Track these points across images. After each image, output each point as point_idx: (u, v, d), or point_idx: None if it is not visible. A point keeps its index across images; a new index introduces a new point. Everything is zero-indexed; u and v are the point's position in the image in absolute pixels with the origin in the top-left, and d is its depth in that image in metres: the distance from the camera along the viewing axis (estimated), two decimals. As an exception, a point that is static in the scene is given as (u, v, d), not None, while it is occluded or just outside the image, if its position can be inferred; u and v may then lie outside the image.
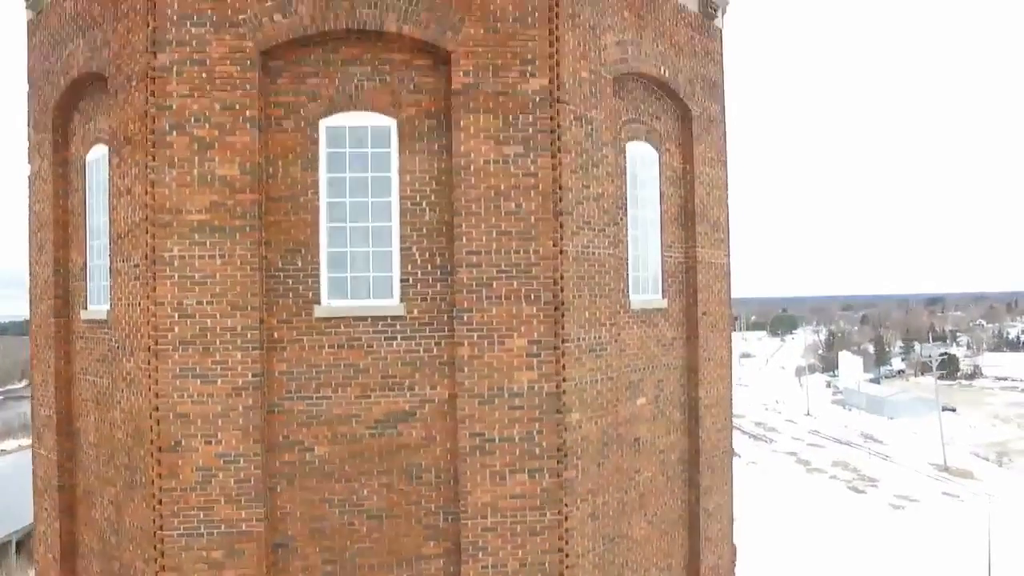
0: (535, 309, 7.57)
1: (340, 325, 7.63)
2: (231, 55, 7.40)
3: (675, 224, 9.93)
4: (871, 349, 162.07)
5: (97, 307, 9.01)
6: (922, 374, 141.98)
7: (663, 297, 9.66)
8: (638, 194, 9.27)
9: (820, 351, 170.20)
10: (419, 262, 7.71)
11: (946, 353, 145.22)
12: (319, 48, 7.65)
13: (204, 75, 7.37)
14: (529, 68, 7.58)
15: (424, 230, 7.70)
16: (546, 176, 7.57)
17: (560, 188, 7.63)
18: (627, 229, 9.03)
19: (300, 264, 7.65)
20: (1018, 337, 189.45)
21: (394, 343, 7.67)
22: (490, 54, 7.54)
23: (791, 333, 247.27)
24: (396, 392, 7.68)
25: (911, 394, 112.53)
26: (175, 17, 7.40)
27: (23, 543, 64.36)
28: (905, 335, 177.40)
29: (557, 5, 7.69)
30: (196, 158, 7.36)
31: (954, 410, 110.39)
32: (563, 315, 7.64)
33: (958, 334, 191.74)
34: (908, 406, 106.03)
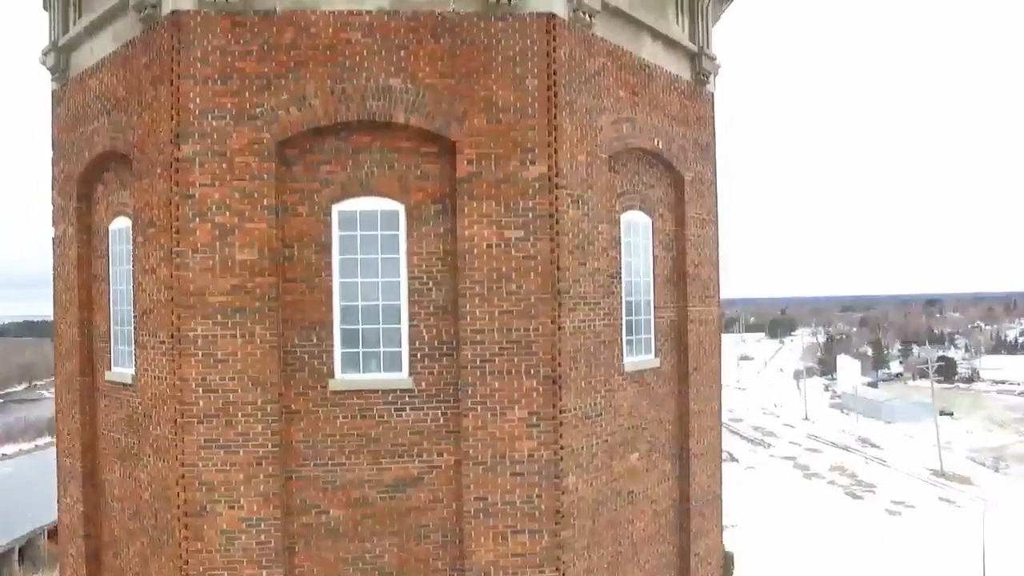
0: (535, 383, 8.11)
1: (353, 397, 8.17)
2: (250, 146, 7.93)
3: (667, 285, 10.48)
4: (869, 352, 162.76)
5: (121, 370, 9.54)
6: (920, 377, 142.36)
7: (655, 356, 10.21)
8: (632, 261, 9.82)
9: (819, 354, 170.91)
10: (427, 338, 8.24)
11: (944, 357, 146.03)
12: (332, 137, 8.18)
13: (225, 166, 7.91)
14: (529, 156, 8.12)
15: (431, 308, 8.24)
16: (545, 258, 8.11)
17: (558, 269, 8.17)
18: (621, 296, 9.57)
19: (315, 340, 8.19)
20: (1016, 339, 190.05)
21: (403, 414, 8.21)
22: (492, 143, 8.08)
23: (790, 335, 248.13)
24: (406, 459, 8.22)
25: (908, 399, 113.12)
26: (197, 111, 7.94)
27: (25, 550, 64.80)
28: (903, 338, 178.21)
29: (555, 96, 8.22)
30: (218, 244, 7.90)
31: (951, 414, 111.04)
32: (560, 387, 8.19)
33: (956, 336, 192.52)
34: (905, 411, 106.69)
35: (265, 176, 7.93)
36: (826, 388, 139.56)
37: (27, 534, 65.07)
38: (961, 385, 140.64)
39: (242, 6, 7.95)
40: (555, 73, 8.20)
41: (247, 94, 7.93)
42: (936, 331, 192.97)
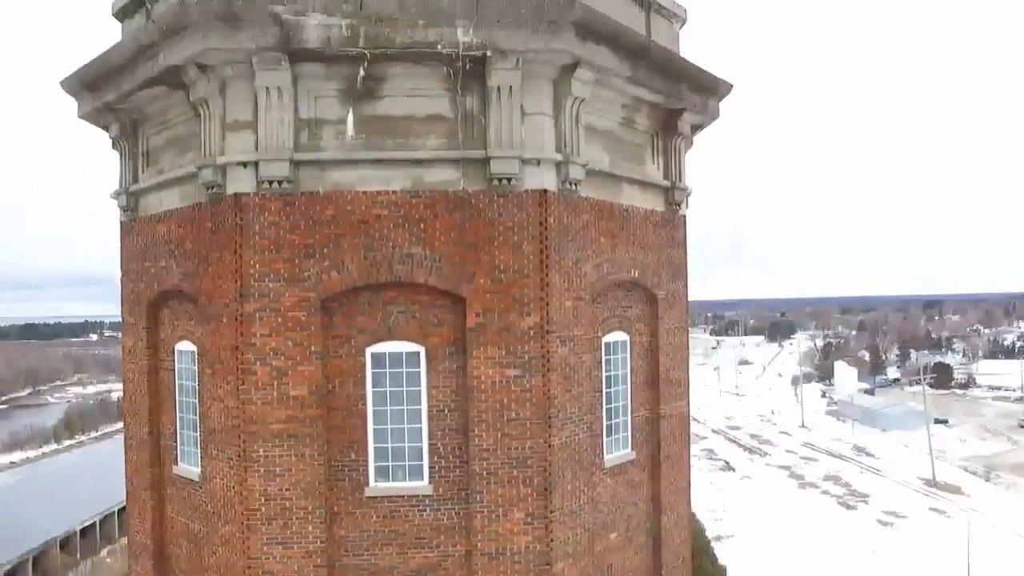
0: (530, 490, 10.07)
1: (384, 501, 10.13)
2: (299, 304, 9.88)
3: (643, 388, 12.41)
4: (867, 357, 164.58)
5: (187, 467, 11.49)
6: (917, 383, 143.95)
7: (632, 450, 12.14)
8: (612, 374, 11.75)
9: (817, 359, 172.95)
10: (443, 454, 10.20)
11: (940, 363, 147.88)
12: (365, 293, 10.13)
13: (280, 319, 9.86)
14: (525, 309, 10.07)
15: (447, 430, 10.20)
16: (538, 391, 10.06)
17: (548, 399, 10.12)
18: (603, 406, 11.51)
19: (353, 456, 10.14)
20: (1013, 344, 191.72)
21: (425, 513, 10.17)
22: (495, 299, 10.02)
23: (789, 339, 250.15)
24: (426, 550, 10.17)
25: (904, 406, 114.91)
26: (257, 275, 9.88)
27: (39, 561, 66.63)
28: (901, 342, 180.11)
29: (546, 257, 10.16)
30: (275, 383, 9.85)
31: (946, 422, 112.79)
32: (550, 493, 10.14)
33: (954, 340, 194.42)
34: (900, 419, 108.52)
35: (312, 328, 9.88)
36: (823, 394, 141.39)
37: (40, 546, 67.03)
38: (957, 391, 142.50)
39: (291, 188, 9.89)
40: (547, 238, 10.15)
41: (296, 261, 9.89)
42: (934, 335, 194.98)
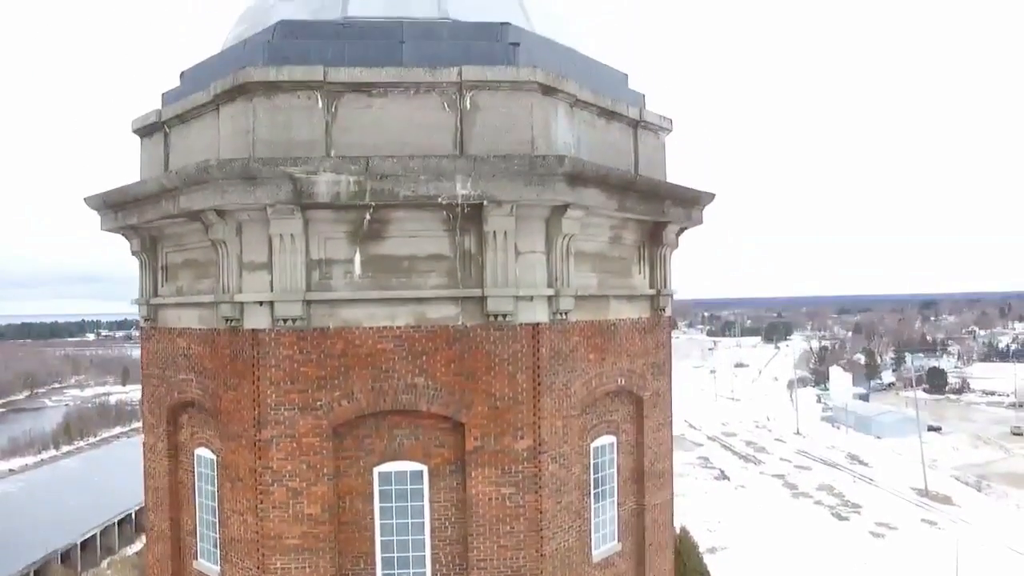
0: (524, 597, 10.98)
1: (389, 608, 11.03)
2: (313, 430, 10.77)
3: (629, 483, 13.32)
4: (863, 360, 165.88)
5: (206, 563, 12.38)
6: (911, 388, 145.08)
7: (618, 541, 13.06)
8: (600, 476, 12.66)
9: (812, 363, 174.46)
10: (444, 563, 11.11)
11: (934, 368, 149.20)
12: (373, 418, 11.02)
13: (294, 445, 10.75)
14: (519, 433, 10.97)
15: (448, 542, 11.10)
16: (531, 508, 10.97)
17: (540, 512, 11.03)
18: (591, 508, 12.42)
19: (362, 566, 11.04)
20: (1008, 347, 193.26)
21: (427, 618, 11.08)
22: (492, 424, 10.92)
23: (786, 339, 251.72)
24: (428, 651, 11.08)
25: (898, 414, 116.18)
26: (273, 404, 10.77)
27: (41, 573, 67.36)
28: (897, 345, 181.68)
29: (539, 384, 11.06)
30: (291, 502, 10.75)
31: (939, 429, 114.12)
32: (544, 598, 11.05)
33: (949, 343, 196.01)
34: (894, 426, 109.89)
35: (324, 452, 10.77)
36: (818, 400, 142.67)
37: (41, 559, 67.82)
38: (951, 396, 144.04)
39: (304, 325, 10.78)
40: (538, 367, 11.05)
41: (310, 391, 10.77)
42: (929, 337, 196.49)
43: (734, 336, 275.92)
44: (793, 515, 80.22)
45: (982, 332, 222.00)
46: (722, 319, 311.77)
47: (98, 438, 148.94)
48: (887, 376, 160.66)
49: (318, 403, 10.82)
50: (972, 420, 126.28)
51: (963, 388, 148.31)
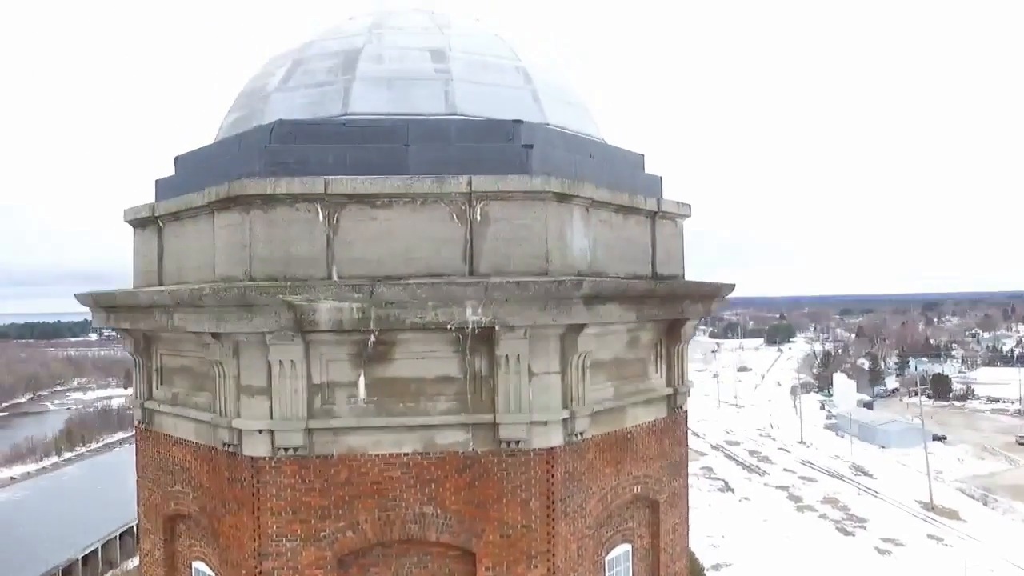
0: None
1: None
2: (316, 562, 10.17)
3: (646, 590, 12.72)
4: (866, 365, 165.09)
5: None
6: (915, 394, 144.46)
7: (636, 652, 12.47)
8: (616, 590, 12.07)
9: (816, 367, 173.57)
10: None
11: (938, 375, 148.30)
12: (380, 548, 10.43)
13: (296, 578, 10.16)
14: (532, 561, 10.38)
15: None
16: (546, 644, 10.37)
17: (555, 648, 10.43)
18: (607, 626, 11.83)
19: None
20: (1012, 351, 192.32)
21: None
22: (504, 553, 10.33)
23: (788, 342, 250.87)
24: None
25: (902, 423, 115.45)
26: (274, 535, 10.17)
27: (44, 591, 66.84)
28: (900, 348, 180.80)
29: (553, 510, 10.47)
30: (292, 640, 10.16)
31: (944, 439, 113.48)
32: None
33: (953, 346, 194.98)
34: (899, 436, 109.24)
35: (328, 587, 10.18)
36: (822, 406, 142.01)
37: (43, 575, 67.31)
38: (956, 403, 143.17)
39: (306, 453, 10.18)
40: (552, 492, 10.45)
41: (312, 522, 10.18)
42: (932, 341, 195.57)
43: (737, 338, 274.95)
44: (798, 529, 79.68)
45: (985, 335, 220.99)
46: (724, 320, 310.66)
47: (100, 443, 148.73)
48: (891, 382, 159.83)
49: (322, 534, 10.23)
50: (977, 429, 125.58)
51: (967, 395, 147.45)
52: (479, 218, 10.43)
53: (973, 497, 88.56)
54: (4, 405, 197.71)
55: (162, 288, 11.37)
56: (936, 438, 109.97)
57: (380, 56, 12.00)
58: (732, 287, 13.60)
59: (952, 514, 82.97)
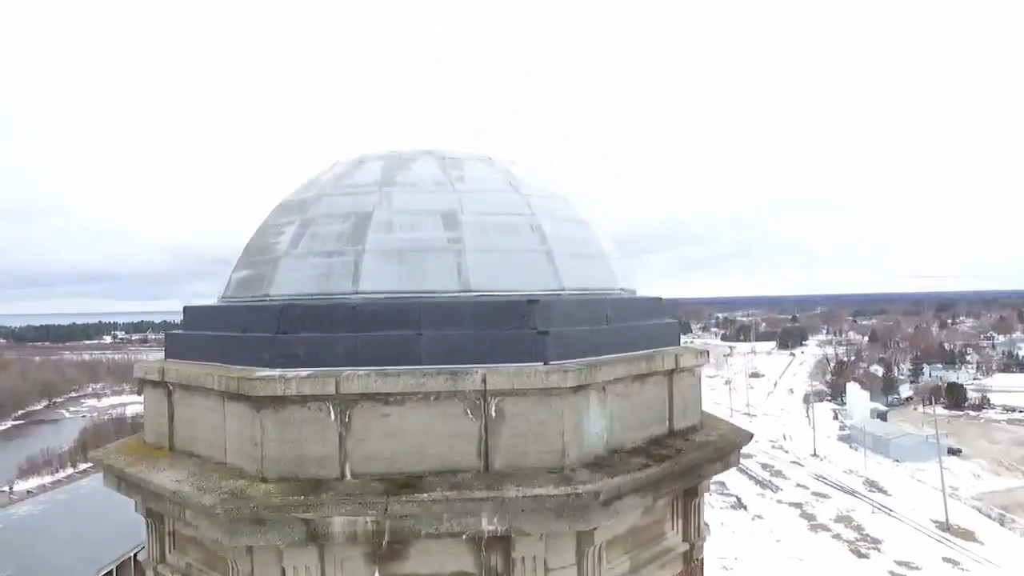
0: None
1: None
2: None
3: None
4: (879, 371, 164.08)
5: None
6: (930, 403, 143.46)
7: None
8: None
9: (828, 374, 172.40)
10: None
11: (952, 384, 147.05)
12: None
13: None
14: None
15: None
16: None
17: None
18: None
19: None
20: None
21: None
22: None
23: (801, 345, 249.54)
24: None
25: (916, 437, 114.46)
26: None
27: (57, 612, 67.61)
28: (914, 356, 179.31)
29: None
30: None
31: (959, 452, 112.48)
32: None
33: (967, 351, 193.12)
34: (913, 449, 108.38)
35: None
36: (835, 416, 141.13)
37: (71, 591, 67.99)
38: (971, 413, 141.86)
39: (321, 653, 10.02)
40: None
41: None
42: (946, 346, 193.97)
43: (749, 341, 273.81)
44: (812, 550, 79.28)
45: (1001, 338, 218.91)
46: (736, 322, 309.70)
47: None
48: (904, 390, 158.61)
49: None
50: (993, 441, 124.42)
51: (983, 404, 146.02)
52: (493, 414, 10.21)
53: (990, 516, 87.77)
54: (20, 413, 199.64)
55: (172, 485, 11.22)
56: (951, 452, 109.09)
57: (390, 224, 11.78)
58: (750, 436, 13.30)
59: (968, 535, 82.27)
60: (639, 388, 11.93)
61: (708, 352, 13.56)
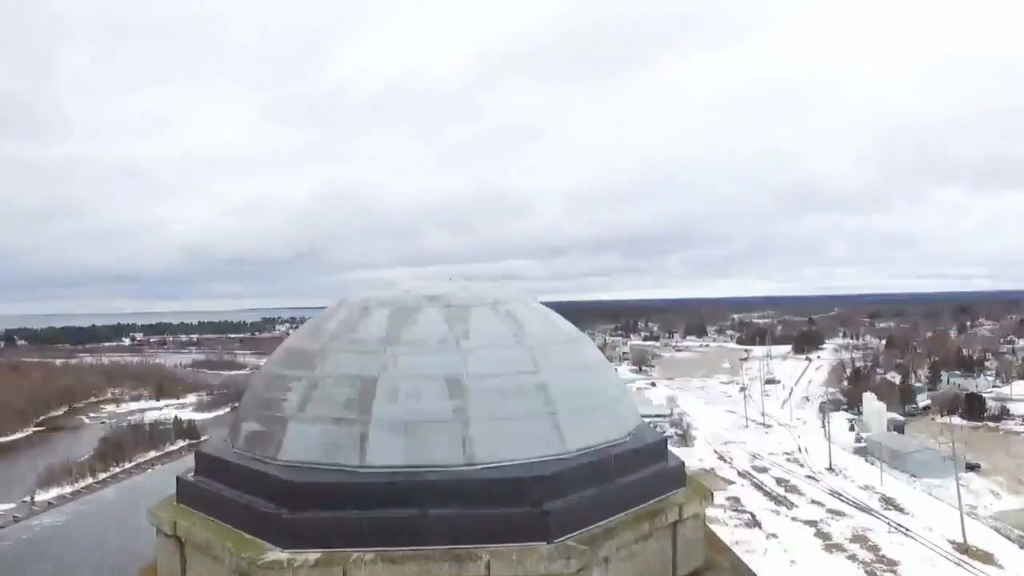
0: None
1: None
2: None
3: None
4: (896, 378, 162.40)
5: None
6: (947, 413, 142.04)
7: None
8: None
9: (845, 383, 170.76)
10: None
11: (971, 394, 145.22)
12: None
13: None
14: None
15: None
16: None
17: None
18: None
19: None
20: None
21: None
22: None
23: (818, 350, 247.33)
24: None
25: (933, 452, 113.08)
26: None
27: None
28: (932, 363, 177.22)
29: None
30: None
31: (977, 467, 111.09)
32: None
33: (986, 357, 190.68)
34: (930, 466, 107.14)
35: None
36: (851, 427, 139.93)
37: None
38: (990, 424, 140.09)
39: None
40: None
41: None
42: (965, 352, 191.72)
43: (765, 344, 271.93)
44: (827, 572, 78.86)
45: (1021, 342, 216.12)
46: (752, 325, 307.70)
47: (132, 463, 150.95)
48: (921, 399, 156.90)
49: None
50: (1013, 455, 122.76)
51: (1002, 415, 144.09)
52: (498, 600, 10.39)
53: (1009, 538, 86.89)
54: (42, 419, 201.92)
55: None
56: (969, 467, 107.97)
57: (395, 391, 11.92)
58: (755, 581, 13.40)
59: (987, 558, 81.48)
60: (642, 547, 12.03)
61: (712, 494, 13.62)
